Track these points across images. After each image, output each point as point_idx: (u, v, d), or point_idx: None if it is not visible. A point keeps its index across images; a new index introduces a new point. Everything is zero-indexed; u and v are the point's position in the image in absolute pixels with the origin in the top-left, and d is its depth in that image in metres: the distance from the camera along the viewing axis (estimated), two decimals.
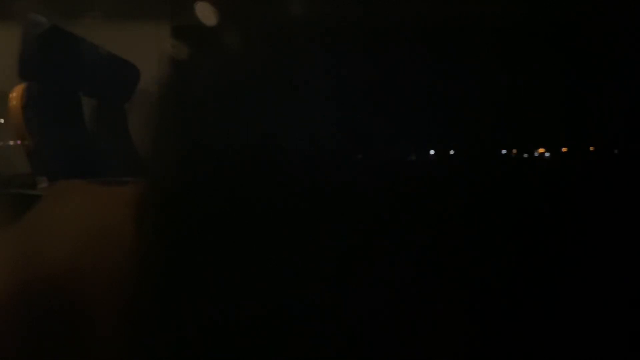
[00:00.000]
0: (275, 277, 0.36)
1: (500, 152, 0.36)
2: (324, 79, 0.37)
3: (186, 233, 0.38)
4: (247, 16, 0.41)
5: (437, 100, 0.36)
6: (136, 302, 0.39)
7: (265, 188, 0.37)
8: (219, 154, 0.38)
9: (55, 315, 0.42)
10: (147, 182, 0.41)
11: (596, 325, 0.36)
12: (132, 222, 0.40)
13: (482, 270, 0.36)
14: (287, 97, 0.38)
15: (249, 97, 0.39)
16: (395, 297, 0.35)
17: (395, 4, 0.39)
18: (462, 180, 0.36)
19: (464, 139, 0.36)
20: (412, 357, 0.36)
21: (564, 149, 0.36)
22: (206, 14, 0.40)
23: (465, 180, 0.36)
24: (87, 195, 0.46)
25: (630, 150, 0.36)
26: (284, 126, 0.37)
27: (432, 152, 0.36)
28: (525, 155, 0.36)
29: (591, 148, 0.36)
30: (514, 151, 0.36)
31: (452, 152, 0.36)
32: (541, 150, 0.36)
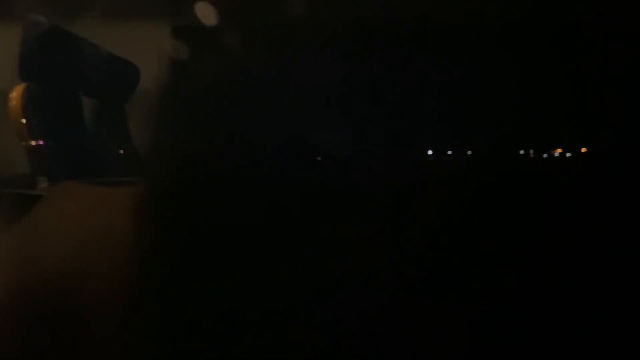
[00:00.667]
0: (276, 278, 0.36)
1: (518, 152, 0.36)
2: (325, 79, 0.37)
3: (187, 233, 0.38)
4: (247, 16, 0.41)
5: (441, 101, 0.36)
6: (137, 302, 0.39)
7: (265, 188, 0.37)
8: (219, 154, 0.38)
9: (56, 316, 0.42)
10: (147, 182, 0.41)
11: (610, 327, 0.36)
12: (133, 223, 0.40)
13: (492, 271, 0.35)
14: (288, 97, 0.38)
15: (249, 98, 0.39)
16: (399, 298, 0.35)
17: (395, 3, 0.39)
18: (471, 181, 0.36)
19: (473, 140, 0.36)
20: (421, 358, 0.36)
21: (583, 150, 0.36)
22: (206, 14, 0.40)
23: (475, 181, 0.36)
24: (88, 195, 0.46)
25: None
26: (284, 126, 0.37)
27: (432, 152, 0.36)
28: (544, 156, 0.36)
29: (609, 149, 0.36)
30: (530, 152, 0.36)
31: (450, 152, 0.36)
32: (559, 150, 0.36)
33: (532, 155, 0.36)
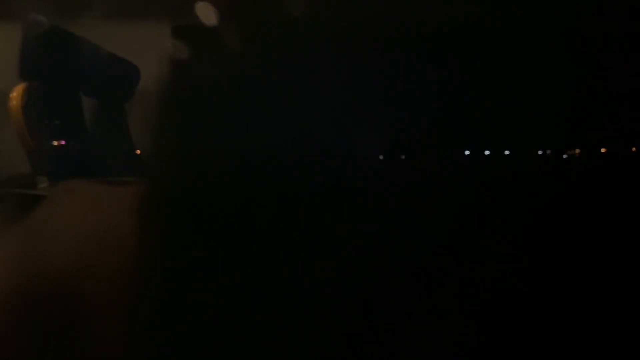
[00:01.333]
0: (278, 278, 0.36)
1: (524, 152, 0.36)
2: (326, 79, 0.37)
3: (187, 233, 0.38)
4: (248, 16, 0.41)
5: (445, 101, 0.36)
6: (139, 302, 0.39)
7: (266, 188, 0.37)
8: (220, 154, 0.38)
9: (57, 316, 0.42)
10: (148, 182, 0.41)
11: (615, 329, 0.36)
12: (133, 222, 0.40)
13: (503, 272, 0.35)
14: (288, 97, 0.38)
15: (249, 97, 0.39)
16: (402, 299, 0.35)
17: (396, 3, 0.39)
18: (478, 182, 0.36)
19: (476, 140, 0.36)
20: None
21: (603, 150, 0.36)
22: (207, 14, 0.40)
23: (481, 181, 0.36)
24: (89, 195, 0.46)
25: None
26: (285, 126, 0.37)
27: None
28: (564, 156, 0.36)
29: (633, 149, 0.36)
30: (540, 152, 0.36)
31: (455, 153, 0.36)
32: (577, 151, 0.36)
33: (541, 155, 0.35)
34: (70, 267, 0.43)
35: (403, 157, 0.36)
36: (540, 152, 0.36)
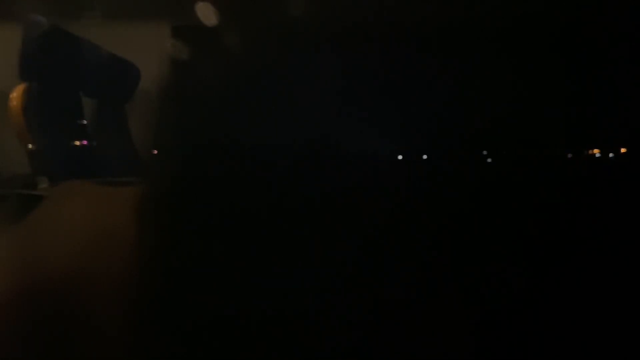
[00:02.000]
0: (279, 279, 0.36)
1: (528, 153, 0.36)
2: (326, 79, 0.37)
3: (189, 234, 0.38)
4: (248, 16, 0.41)
5: (444, 102, 0.36)
6: (139, 302, 0.39)
7: (267, 189, 0.36)
8: (220, 155, 0.38)
9: (57, 317, 0.42)
10: (149, 182, 0.41)
11: (619, 330, 0.36)
12: (134, 223, 0.40)
13: (508, 273, 0.35)
14: (289, 97, 0.38)
15: (250, 98, 0.39)
16: (413, 300, 0.35)
17: (397, 3, 0.39)
18: (480, 182, 0.36)
19: (479, 140, 0.36)
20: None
21: (623, 150, 0.36)
22: (207, 14, 0.40)
23: (484, 182, 0.36)
24: (89, 195, 0.46)
25: None
26: (286, 127, 0.37)
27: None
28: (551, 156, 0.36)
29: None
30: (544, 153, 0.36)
31: (456, 153, 0.36)
32: (596, 151, 0.36)
33: (546, 156, 0.35)
34: (70, 267, 0.43)
35: (400, 157, 0.36)
36: (553, 153, 0.36)
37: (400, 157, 0.36)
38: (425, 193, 0.36)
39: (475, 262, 0.35)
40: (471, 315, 0.35)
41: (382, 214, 0.35)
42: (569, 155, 0.36)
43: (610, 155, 0.36)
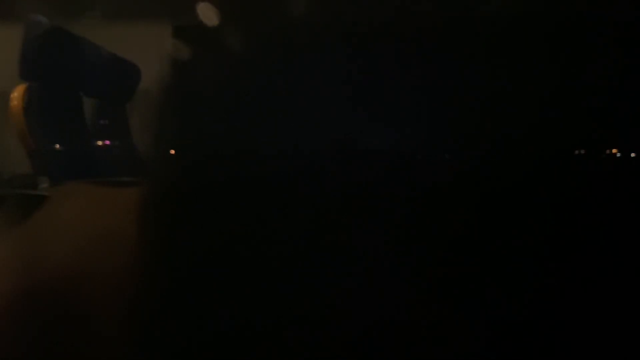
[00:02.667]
0: (280, 280, 0.36)
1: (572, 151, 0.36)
2: (327, 79, 0.37)
3: (189, 234, 0.38)
4: (249, 16, 0.40)
5: (444, 100, 0.36)
6: (140, 303, 0.39)
7: (268, 189, 0.36)
8: (221, 155, 0.38)
9: (58, 317, 0.42)
10: (149, 182, 0.41)
11: (622, 330, 0.36)
12: (135, 223, 0.40)
13: (516, 273, 0.35)
14: (289, 97, 0.38)
15: (250, 98, 0.39)
16: (406, 300, 0.35)
17: (397, 3, 0.39)
18: (487, 182, 0.36)
19: (483, 140, 0.36)
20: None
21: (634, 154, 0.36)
22: (207, 14, 0.40)
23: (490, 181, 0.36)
24: (90, 196, 0.46)
25: None
26: (287, 127, 0.37)
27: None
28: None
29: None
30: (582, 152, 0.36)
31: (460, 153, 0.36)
32: (614, 150, 0.35)
33: (550, 156, 0.35)
34: (71, 268, 0.43)
35: (410, 157, 0.36)
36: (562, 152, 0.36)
37: (399, 157, 0.36)
38: (427, 191, 0.35)
39: (494, 262, 0.35)
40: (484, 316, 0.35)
41: (383, 216, 0.35)
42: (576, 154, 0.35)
43: (618, 154, 0.35)
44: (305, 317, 0.35)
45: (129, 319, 0.40)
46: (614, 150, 0.36)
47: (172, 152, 0.41)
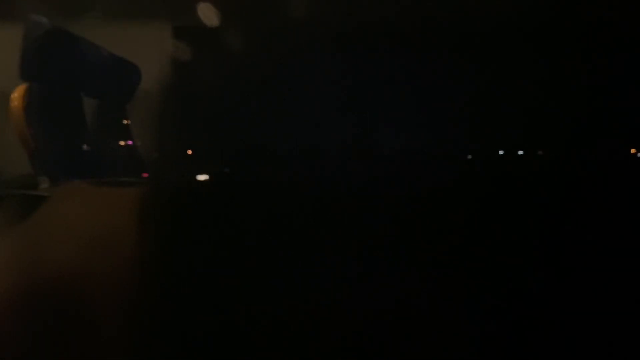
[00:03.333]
0: (280, 280, 0.36)
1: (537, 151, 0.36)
2: (328, 80, 0.37)
3: (190, 234, 0.38)
4: (249, 17, 0.41)
5: (443, 100, 0.36)
6: (141, 303, 0.39)
7: (269, 189, 0.36)
8: (221, 155, 0.38)
9: (59, 317, 0.42)
10: (150, 183, 0.41)
11: (622, 330, 0.36)
12: (136, 223, 0.40)
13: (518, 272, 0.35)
14: (290, 97, 0.38)
15: (250, 98, 0.39)
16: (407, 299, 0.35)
17: (397, 3, 0.39)
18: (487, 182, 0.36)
19: (485, 140, 0.36)
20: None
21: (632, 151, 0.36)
22: (208, 15, 0.40)
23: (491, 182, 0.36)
24: (91, 196, 0.46)
25: None
26: (287, 127, 0.37)
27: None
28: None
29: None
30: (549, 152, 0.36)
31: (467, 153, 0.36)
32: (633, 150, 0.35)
33: (552, 155, 0.35)
34: (71, 268, 0.43)
35: (410, 157, 0.36)
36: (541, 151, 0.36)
37: (399, 156, 0.36)
38: (437, 194, 0.36)
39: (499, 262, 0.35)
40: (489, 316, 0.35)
41: (387, 217, 0.35)
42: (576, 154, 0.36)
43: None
44: (306, 317, 0.35)
45: (129, 319, 0.40)
46: (614, 151, 0.36)
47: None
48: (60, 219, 0.45)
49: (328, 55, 0.38)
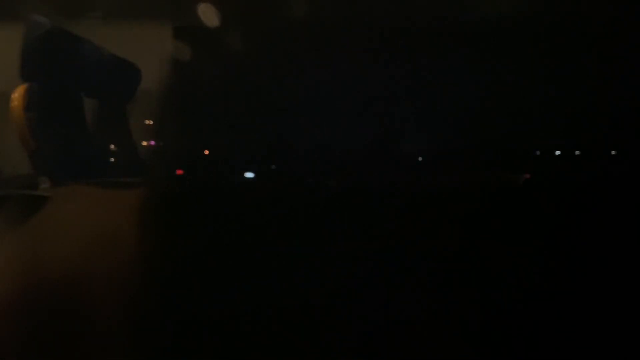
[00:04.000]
0: (280, 279, 0.36)
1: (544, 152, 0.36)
2: (327, 80, 0.37)
3: (190, 234, 0.38)
4: (249, 17, 0.41)
5: (442, 100, 0.36)
6: (141, 303, 0.39)
7: (269, 189, 0.36)
8: (221, 155, 0.38)
9: (59, 317, 0.42)
10: (149, 183, 0.41)
11: (623, 330, 0.36)
12: (136, 223, 0.40)
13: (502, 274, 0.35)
14: (289, 97, 0.38)
15: (250, 98, 0.39)
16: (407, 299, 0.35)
17: (397, 3, 0.39)
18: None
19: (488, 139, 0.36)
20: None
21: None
22: (208, 15, 0.40)
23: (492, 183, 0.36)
24: (91, 196, 0.46)
25: None
26: (287, 127, 0.37)
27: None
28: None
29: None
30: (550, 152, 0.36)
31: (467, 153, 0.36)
32: None
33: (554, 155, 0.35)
34: (71, 268, 0.43)
35: (409, 156, 0.36)
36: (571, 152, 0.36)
37: (408, 156, 0.36)
38: (440, 198, 0.36)
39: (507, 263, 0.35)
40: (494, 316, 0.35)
41: (386, 217, 0.35)
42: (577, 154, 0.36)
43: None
44: (306, 317, 0.35)
45: (129, 318, 0.40)
46: (614, 150, 0.36)
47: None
48: (60, 219, 0.44)
49: (327, 56, 0.38)
